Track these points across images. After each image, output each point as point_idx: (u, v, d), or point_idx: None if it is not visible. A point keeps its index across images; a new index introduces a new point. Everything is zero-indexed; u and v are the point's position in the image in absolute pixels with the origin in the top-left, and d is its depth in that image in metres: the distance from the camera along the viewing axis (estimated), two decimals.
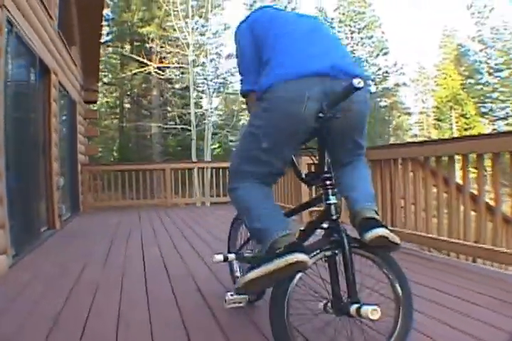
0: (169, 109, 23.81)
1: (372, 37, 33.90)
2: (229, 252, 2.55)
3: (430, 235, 3.77)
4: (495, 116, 35.96)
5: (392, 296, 1.72)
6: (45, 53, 5.43)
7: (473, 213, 3.49)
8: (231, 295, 2.18)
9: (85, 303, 2.52)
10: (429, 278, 2.90)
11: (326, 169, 1.75)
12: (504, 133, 4.55)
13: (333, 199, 1.69)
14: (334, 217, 1.67)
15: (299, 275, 1.60)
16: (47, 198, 5.65)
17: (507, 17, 35.26)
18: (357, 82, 1.52)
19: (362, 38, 33.72)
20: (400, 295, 1.70)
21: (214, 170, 9.77)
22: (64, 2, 7.00)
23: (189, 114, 21.65)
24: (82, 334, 2.06)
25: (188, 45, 20.65)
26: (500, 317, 2.16)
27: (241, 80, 2.02)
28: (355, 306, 1.53)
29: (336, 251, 1.63)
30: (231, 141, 29.37)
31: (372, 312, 1.46)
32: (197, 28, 22.53)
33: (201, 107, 24.26)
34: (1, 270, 3.28)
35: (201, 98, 25.50)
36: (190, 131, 21.21)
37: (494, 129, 32.30)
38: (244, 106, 29.98)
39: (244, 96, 2.04)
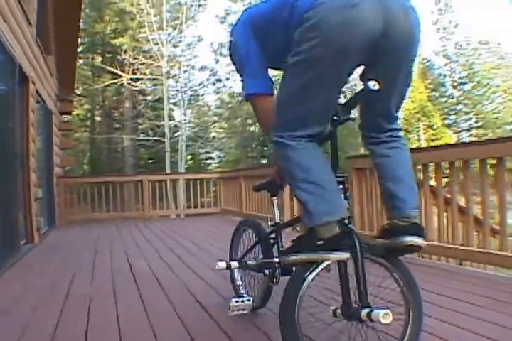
0: (141, 121, 23.59)
1: None
2: (231, 260, 2.49)
3: None
4: (459, 128, 36.99)
5: (403, 301, 1.69)
6: (23, 61, 5.28)
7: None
8: (236, 301, 2.12)
9: (81, 318, 2.40)
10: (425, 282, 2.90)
11: (337, 170, 1.69)
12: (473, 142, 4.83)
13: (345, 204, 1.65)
14: (346, 221, 1.60)
15: (306, 283, 1.56)
16: (25, 210, 5.44)
17: (470, 33, 36.57)
18: (372, 85, 1.50)
19: None
20: (410, 300, 1.67)
21: (190, 181, 9.65)
22: (41, 9, 6.87)
23: (162, 126, 21.52)
24: None
25: (161, 56, 20.59)
26: (505, 317, 2.18)
27: (242, 81, 1.89)
28: (366, 310, 1.49)
29: (348, 256, 1.58)
30: (203, 153, 29.32)
31: (384, 316, 1.43)
32: (170, 40, 22.51)
33: (174, 119, 24.15)
34: None
35: (173, 110, 25.40)
36: (163, 143, 21.06)
37: (458, 140, 33.22)
38: (216, 117, 30.07)
39: (247, 100, 1.90)
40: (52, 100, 8.04)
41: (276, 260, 2.04)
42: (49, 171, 7.73)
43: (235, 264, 2.30)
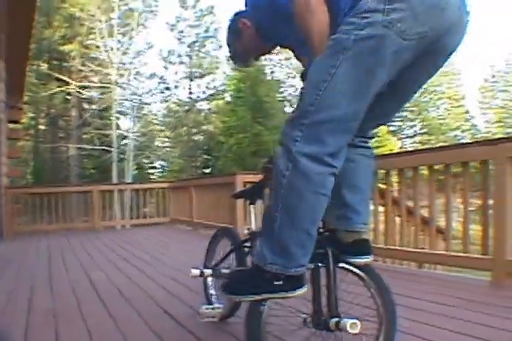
0: (88, 130, 23.07)
1: (290, 58, 34.96)
2: (205, 267, 2.50)
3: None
4: (403, 134, 38.30)
5: (375, 307, 1.68)
6: None
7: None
8: (206, 308, 2.14)
9: (50, 336, 2.31)
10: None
11: None
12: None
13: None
14: (321, 230, 1.60)
15: (266, 313, 1.49)
16: None
17: None
18: None
19: (280, 60, 34.69)
20: (382, 305, 1.66)
21: (138, 191, 9.58)
22: None
23: (108, 135, 21.11)
24: None
25: (111, 63, 20.26)
26: (486, 316, 2.32)
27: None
28: (334, 320, 1.49)
29: (320, 264, 1.57)
30: (147, 163, 28.93)
31: (351, 325, 1.42)
32: (120, 47, 22.20)
33: (120, 128, 23.77)
34: None
35: (120, 119, 25.00)
36: (109, 152, 20.65)
37: (401, 147, 34.23)
38: (162, 127, 29.72)
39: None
40: None
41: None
42: None
43: (208, 272, 2.31)
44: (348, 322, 1.42)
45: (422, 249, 3.73)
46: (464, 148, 3.35)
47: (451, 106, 38.26)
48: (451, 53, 1.48)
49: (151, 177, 28.59)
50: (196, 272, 2.27)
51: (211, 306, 2.24)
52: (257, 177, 6.33)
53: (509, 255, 2.89)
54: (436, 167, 3.59)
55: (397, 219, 4.10)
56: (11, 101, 8.64)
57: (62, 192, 8.86)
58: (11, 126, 9.23)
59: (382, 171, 4.03)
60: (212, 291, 2.58)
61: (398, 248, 3.84)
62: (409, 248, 3.79)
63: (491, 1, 63.63)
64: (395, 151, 31.50)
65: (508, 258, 2.89)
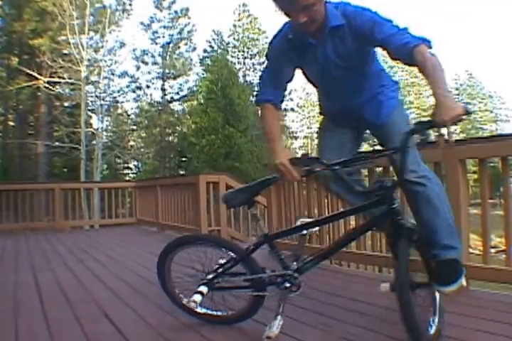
0: (57, 127, 22.62)
1: (264, 63, 35.10)
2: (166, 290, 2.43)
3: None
4: (374, 142, 38.82)
5: None
6: None
7: None
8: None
9: None
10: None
11: None
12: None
13: None
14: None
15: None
16: None
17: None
18: None
19: (254, 64, 34.81)
20: None
21: (105, 191, 9.33)
22: None
23: (78, 133, 20.75)
24: None
25: (81, 60, 19.93)
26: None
27: (259, 90, 2.22)
28: None
29: None
30: (120, 163, 28.56)
31: None
32: (92, 45, 21.87)
33: (91, 126, 23.38)
34: None
35: (91, 117, 24.61)
36: (79, 150, 20.30)
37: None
38: (134, 126, 29.38)
39: (258, 105, 2.24)
40: None
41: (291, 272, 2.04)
42: None
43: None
44: None
45: None
46: None
47: (421, 116, 38.91)
48: None
49: (126, 178, 28.16)
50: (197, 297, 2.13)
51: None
52: (217, 178, 6.12)
53: None
54: None
55: None
56: None
57: (24, 190, 8.57)
58: None
59: None
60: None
61: None
62: None
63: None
64: None
65: None
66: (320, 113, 2.59)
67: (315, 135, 42.04)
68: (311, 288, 2.70)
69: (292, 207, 4.49)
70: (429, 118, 1.65)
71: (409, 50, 1.80)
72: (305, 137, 43.78)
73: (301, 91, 43.38)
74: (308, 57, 2.14)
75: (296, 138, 42.86)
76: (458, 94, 42.87)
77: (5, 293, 3.22)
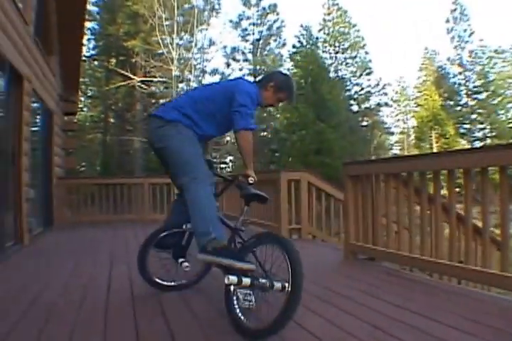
0: None
1: (355, 57, 34.31)
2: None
3: (412, 255, 3.59)
4: (473, 137, 36.53)
5: None
6: (17, 58, 5.20)
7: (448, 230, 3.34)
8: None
9: (35, 330, 2.25)
10: (408, 300, 2.72)
11: None
12: (490, 147, 4.38)
13: None
14: None
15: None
16: (15, 211, 5.33)
17: (485, 41, 36.18)
18: None
19: (346, 58, 34.13)
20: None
21: None
22: (44, 9, 6.83)
23: None
24: None
25: (172, 59, 20.61)
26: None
27: (250, 121, 2.65)
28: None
29: None
30: (215, 157, 29.21)
31: None
32: (182, 44, 22.55)
33: None
34: None
35: None
36: None
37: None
38: None
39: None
40: (53, 100, 7.99)
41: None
42: (47, 171, 7.66)
43: None
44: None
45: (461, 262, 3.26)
46: None
47: None
48: None
49: (223, 172, 28.81)
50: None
51: None
52: (298, 176, 5.95)
53: None
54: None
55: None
56: (65, 94, 8.91)
57: (114, 184, 9.00)
58: (67, 118, 9.52)
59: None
60: None
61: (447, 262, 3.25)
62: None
63: None
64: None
65: None
66: None
67: (411, 130, 40.39)
68: None
69: (369, 204, 4.22)
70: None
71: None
72: (401, 133, 42.09)
73: (396, 85, 41.88)
74: None
75: (391, 133, 41.42)
76: None
77: (79, 285, 3.33)
